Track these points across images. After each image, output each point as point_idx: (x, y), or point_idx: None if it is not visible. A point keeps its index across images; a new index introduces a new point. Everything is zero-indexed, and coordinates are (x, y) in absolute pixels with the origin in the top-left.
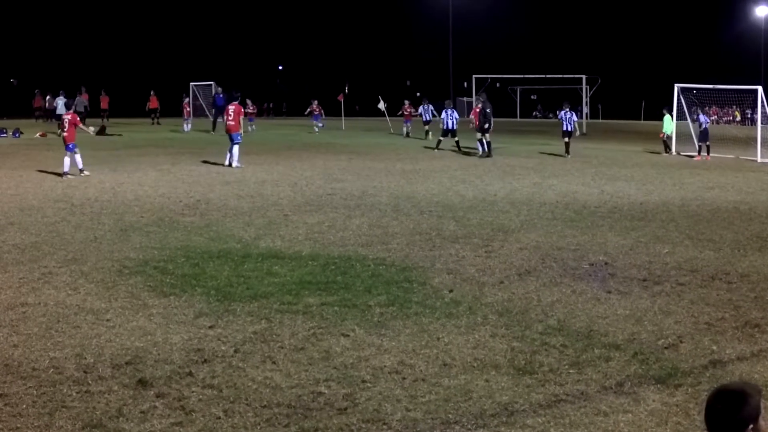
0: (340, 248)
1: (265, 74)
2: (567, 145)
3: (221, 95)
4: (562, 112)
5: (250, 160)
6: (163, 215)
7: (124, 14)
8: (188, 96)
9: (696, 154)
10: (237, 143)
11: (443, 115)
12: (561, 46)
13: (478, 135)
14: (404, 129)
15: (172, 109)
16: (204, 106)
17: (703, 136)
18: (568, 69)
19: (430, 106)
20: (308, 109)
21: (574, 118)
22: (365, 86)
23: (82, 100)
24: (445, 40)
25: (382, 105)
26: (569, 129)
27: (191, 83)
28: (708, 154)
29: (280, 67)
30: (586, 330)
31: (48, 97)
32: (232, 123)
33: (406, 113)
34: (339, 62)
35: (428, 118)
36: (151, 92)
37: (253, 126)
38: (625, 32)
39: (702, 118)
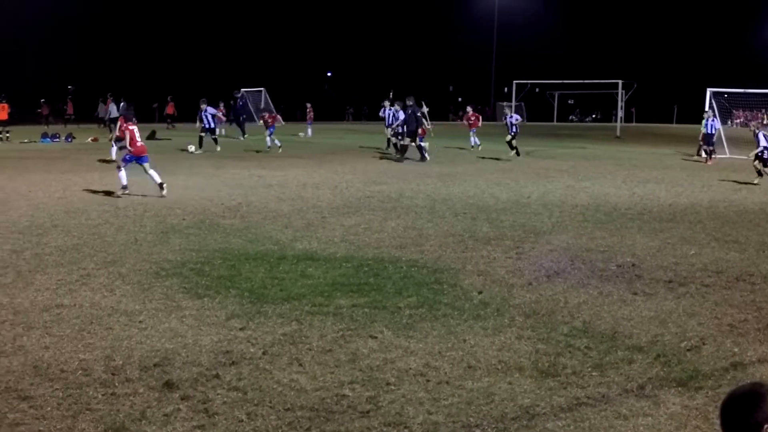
0: (374, 250)
1: (314, 80)
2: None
3: (242, 100)
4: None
5: (294, 164)
6: (204, 218)
7: (178, 22)
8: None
9: (708, 157)
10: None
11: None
12: (599, 51)
13: (408, 141)
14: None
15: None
16: (253, 111)
17: (709, 139)
18: (605, 74)
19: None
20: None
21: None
22: (409, 92)
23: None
24: (488, 46)
25: (424, 109)
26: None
27: (242, 89)
28: (711, 157)
29: (329, 74)
30: (610, 332)
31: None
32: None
33: (471, 121)
34: (385, 68)
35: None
36: (168, 98)
37: (309, 131)
38: (659, 37)
39: (710, 122)
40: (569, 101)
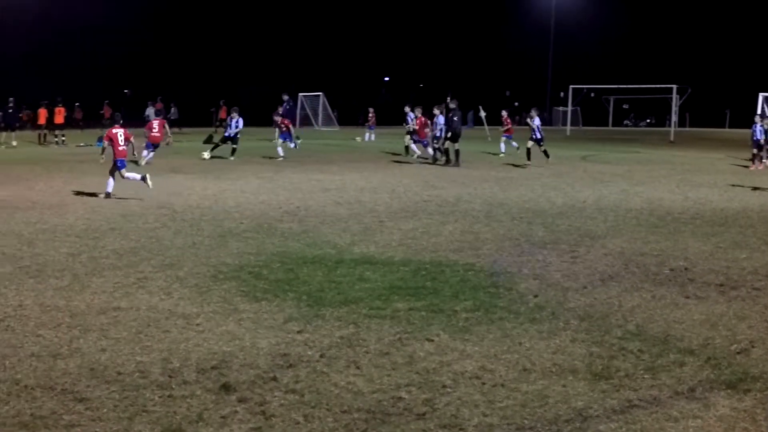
0: (431, 254)
1: (372, 85)
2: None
3: (288, 104)
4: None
5: (352, 168)
6: (262, 221)
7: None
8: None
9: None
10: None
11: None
12: (654, 56)
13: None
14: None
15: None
16: (310, 115)
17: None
18: (660, 79)
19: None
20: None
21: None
22: (466, 96)
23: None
24: (545, 50)
25: (482, 113)
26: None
27: (300, 94)
28: (760, 162)
29: (386, 79)
30: (662, 335)
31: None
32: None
33: (507, 126)
34: (442, 73)
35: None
36: (221, 102)
37: (372, 135)
38: (713, 42)
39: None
40: (624, 106)
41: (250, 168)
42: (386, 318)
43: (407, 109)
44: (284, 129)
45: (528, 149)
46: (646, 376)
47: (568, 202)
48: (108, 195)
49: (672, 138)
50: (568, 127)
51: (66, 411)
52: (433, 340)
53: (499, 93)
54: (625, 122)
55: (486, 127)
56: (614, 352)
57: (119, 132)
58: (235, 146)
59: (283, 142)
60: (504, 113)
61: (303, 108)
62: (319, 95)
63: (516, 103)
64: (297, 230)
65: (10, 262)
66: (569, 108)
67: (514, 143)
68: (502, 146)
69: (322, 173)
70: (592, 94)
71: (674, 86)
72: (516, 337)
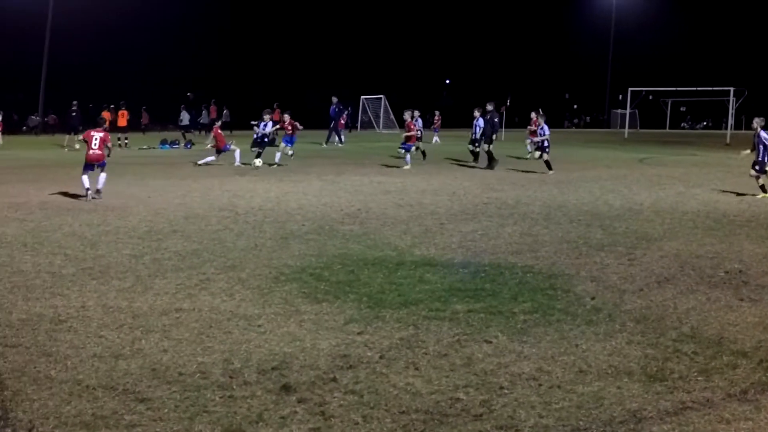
0: (491, 256)
1: (433, 87)
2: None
3: (338, 107)
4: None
5: (413, 171)
6: (324, 224)
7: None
8: (347, 109)
9: None
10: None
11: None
12: (711, 59)
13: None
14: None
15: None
16: (371, 118)
17: None
18: (717, 81)
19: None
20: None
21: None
22: (526, 99)
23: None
24: (603, 53)
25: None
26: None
27: (362, 96)
28: None
29: (448, 81)
30: (716, 337)
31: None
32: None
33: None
34: (502, 76)
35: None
36: (275, 105)
37: (437, 138)
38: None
39: None
40: (681, 108)
41: (313, 170)
42: (445, 320)
43: (477, 113)
44: (289, 131)
45: (546, 161)
46: (699, 378)
47: (626, 204)
48: (87, 193)
49: (728, 140)
50: (626, 130)
51: (127, 411)
52: (491, 342)
53: (558, 95)
54: (682, 125)
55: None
56: (669, 354)
57: (96, 135)
58: (260, 150)
59: (285, 146)
60: (533, 115)
61: (365, 111)
62: (380, 98)
63: (575, 106)
64: (358, 232)
65: (73, 263)
66: (627, 110)
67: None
68: (529, 147)
69: (383, 176)
70: (650, 97)
71: (731, 89)
72: (573, 339)
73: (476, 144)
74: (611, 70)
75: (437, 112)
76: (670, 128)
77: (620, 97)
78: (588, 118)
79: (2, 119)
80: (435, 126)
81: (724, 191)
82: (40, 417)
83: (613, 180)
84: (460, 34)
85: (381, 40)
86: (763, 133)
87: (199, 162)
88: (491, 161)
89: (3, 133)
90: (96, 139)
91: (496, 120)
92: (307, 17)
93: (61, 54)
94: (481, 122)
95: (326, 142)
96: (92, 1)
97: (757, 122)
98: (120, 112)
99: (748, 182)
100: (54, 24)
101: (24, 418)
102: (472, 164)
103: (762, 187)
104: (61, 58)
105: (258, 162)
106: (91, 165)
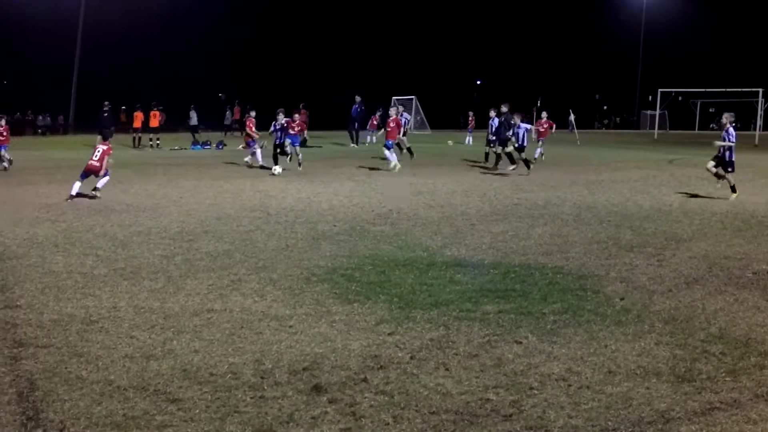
0: (521, 257)
1: (464, 88)
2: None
3: (360, 106)
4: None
5: (444, 172)
6: (355, 224)
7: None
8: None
9: None
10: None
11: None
12: (741, 59)
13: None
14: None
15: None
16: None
17: None
18: (745, 82)
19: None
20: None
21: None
22: (556, 100)
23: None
24: (634, 54)
25: (572, 117)
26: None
27: (393, 97)
28: None
29: (479, 82)
30: (744, 338)
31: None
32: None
33: (542, 129)
34: (533, 76)
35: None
36: (301, 106)
37: (470, 138)
38: None
39: None
40: (710, 110)
41: (344, 171)
42: (476, 320)
43: (492, 113)
44: (297, 130)
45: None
46: (727, 379)
47: (655, 205)
48: (71, 197)
49: (756, 141)
50: (656, 131)
51: (158, 411)
52: (521, 343)
53: (588, 96)
54: (711, 125)
55: (576, 131)
56: (697, 354)
57: (99, 148)
58: (283, 154)
59: (292, 145)
60: (544, 115)
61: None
62: (411, 98)
63: (605, 107)
64: (389, 233)
65: (104, 264)
66: (657, 111)
67: (539, 149)
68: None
69: (414, 176)
70: (680, 98)
71: (760, 90)
72: (602, 340)
73: (491, 145)
74: (641, 71)
75: (471, 113)
76: (699, 129)
77: (650, 98)
78: (618, 119)
79: (32, 118)
80: (470, 127)
81: (752, 193)
82: (72, 417)
83: (643, 181)
84: (491, 34)
85: (413, 41)
86: (731, 130)
87: (248, 160)
88: (513, 162)
89: (34, 134)
90: (99, 151)
91: (512, 122)
92: (338, 17)
93: (91, 55)
94: (496, 122)
95: (356, 143)
96: (122, 4)
97: (726, 117)
98: (152, 113)
99: None
100: (85, 25)
101: (55, 418)
102: (484, 165)
103: (732, 187)
104: (91, 59)
105: (278, 169)
106: (86, 174)
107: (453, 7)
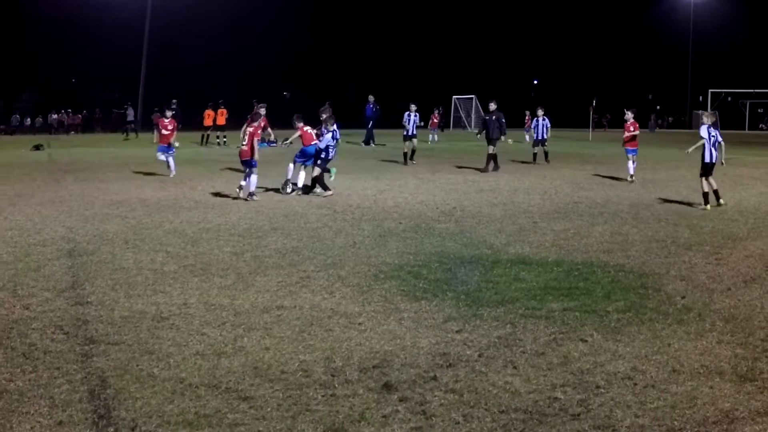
0: (583, 254)
1: (522, 87)
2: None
3: (374, 106)
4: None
5: (505, 170)
6: (420, 222)
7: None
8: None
9: None
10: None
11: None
12: None
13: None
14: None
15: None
16: (462, 117)
17: None
18: None
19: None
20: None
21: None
22: (612, 100)
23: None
24: (685, 56)
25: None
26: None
27: (453, 96)
28: None
29: (536, 81)
30: None
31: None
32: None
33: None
34: (589, 77)
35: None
36: (326, 103)
37: (528, 137)
38: None
39: None
40: (759, 110)
41: (409, 168)
42: (541, 318)
43: (540, 112)
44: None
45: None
46: None
47: (711, 204)
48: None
49: None
50: None
51: (230, 410)
52: (586, 341)
53: (641, 96)
54: (761, 126)
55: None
56: (758, 353)
57: (247, 130)
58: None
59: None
60: (630, 115)
61: (456, 111)
62: (471, 98)
63: (658, 107)
64: (454, 230)
65: (175, 260)
66: (708, 111)
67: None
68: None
69: (476, 174)
70: (729, 98)
71: None
72: (665, 338)
73: (542, 144)
74: (691, 71)
75: (528, 113)
76: (748, 129)
77: (701, 98)
78: (670, 118)
79: (100, 116)
80: (527, 126)
81: None
82: (143, 415)
83: (698, 180)
84: (548, 35)
85: (473, 42)
86: (703, 128)
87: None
88: (492, 163)
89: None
90: (246, 135)
91: (503, 120)
92: (403, 17)
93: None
94: (543, 122)
95: (371, 142)
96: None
97: (704, 114)
98: (219, 111)
99: None
100: (152, 25)
101: (127, 416)
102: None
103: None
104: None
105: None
106: (245, 164)
107: (512, 9)
